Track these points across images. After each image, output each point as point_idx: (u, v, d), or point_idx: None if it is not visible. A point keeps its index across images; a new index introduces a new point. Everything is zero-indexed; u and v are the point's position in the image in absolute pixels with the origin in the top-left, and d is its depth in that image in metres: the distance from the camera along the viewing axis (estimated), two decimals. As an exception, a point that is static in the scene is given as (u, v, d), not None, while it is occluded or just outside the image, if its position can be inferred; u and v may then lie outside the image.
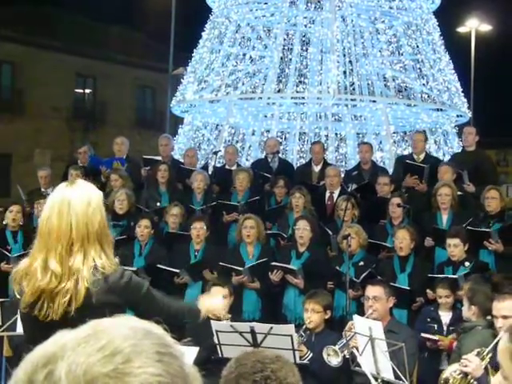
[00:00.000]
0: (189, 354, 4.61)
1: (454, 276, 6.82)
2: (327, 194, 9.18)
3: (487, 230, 7.54)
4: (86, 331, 0.92)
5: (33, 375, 0.88)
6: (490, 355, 4.62)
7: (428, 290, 6.83)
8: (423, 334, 6.12)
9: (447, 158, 12.59)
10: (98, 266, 2.79)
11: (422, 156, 9.58)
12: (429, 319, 6.44)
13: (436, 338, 6.11)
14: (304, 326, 5.84)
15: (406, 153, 13.34)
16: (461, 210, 8.16)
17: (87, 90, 29.97)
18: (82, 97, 29.95)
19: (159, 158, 10.26)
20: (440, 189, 8.06)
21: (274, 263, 7.47)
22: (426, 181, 8.81)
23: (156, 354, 0.91)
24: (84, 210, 2.81)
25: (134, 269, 7.48)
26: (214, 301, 3.59)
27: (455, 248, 7.06)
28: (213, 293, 6.09)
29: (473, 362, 4.65)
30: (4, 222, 8.74)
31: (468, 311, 5.59)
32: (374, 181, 9.03)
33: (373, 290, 5.95)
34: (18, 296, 2.86)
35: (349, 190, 8.36)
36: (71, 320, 2.72)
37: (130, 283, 2.91)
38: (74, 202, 2.81)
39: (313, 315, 5.94)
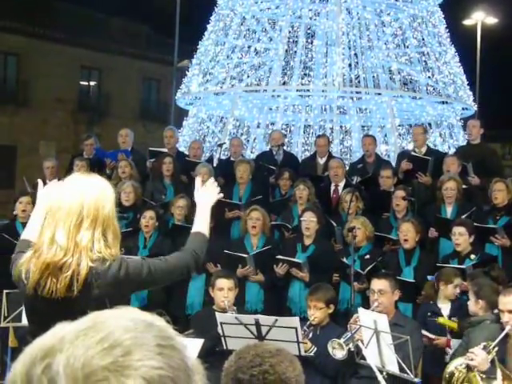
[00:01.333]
0: (193, 346, 4.59)
1: (462, 266, 6.79)
2: (332, 187, 9.15)
3: (494, 226, 7.50)
4: (86, 323, 0.90)
5: (31, 368, 0.86)
6: (496, 349, 4.60)
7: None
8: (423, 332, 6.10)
9: (452, 150, 12.55)
10: (95, 249, 2.79)
11: (423, 149, 9.51)
12: (429, 313, 6.39)
13: (432, 336, 6.09)
14: (308, 322, 5.82)
15: (410, 146, 13.30)
16: (465, 202, 8.12)
17: (92, 82, 29.95)
18: (86, 89, 29.94)
19: (165, 150, 10.22)
20: (446, 183, 8.01)
21: (279, 256, 7.44)
22: (430, 173, 8.76)
23: (157, 346, 0.88)
24: (97, 194, 2.84)
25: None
26: (209, 194, 3.47)
27: (460, 236, 7.02)
28: (218, 284, 6.09)
29: (478, 356, 4.63)
30: (14, 213, 8.75)
31: (475, 305, 5.55)
32: (378, 174, 8.99)
33: (378, 284, 5.92)
34: (25, 280, 2.84)
35: (353, 182, 8.34)
36: (73, 302, 2.72)
37: (129, 274, 2.88)
38: (87, 186, 2.86)
39: (316, 312, 5.92)
